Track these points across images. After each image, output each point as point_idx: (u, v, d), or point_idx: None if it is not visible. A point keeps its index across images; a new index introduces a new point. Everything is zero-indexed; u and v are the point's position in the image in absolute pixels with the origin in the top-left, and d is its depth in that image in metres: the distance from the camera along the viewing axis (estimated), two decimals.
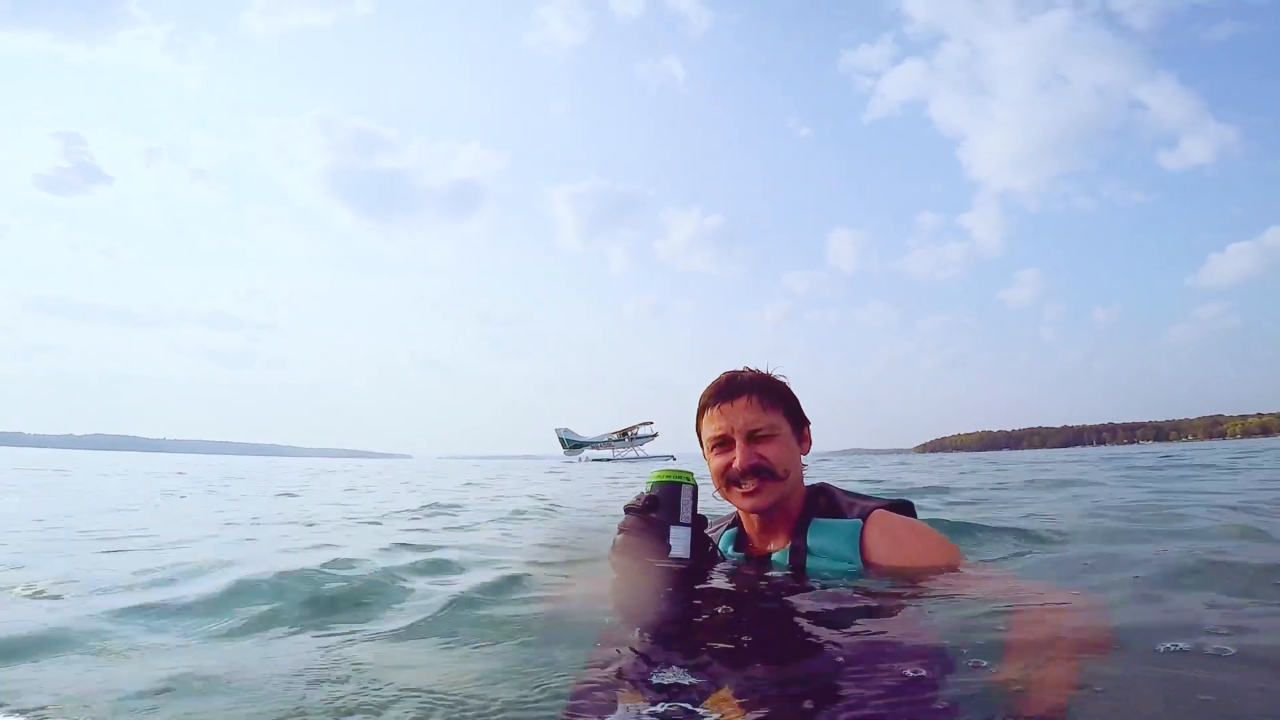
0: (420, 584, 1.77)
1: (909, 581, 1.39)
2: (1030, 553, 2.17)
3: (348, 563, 2.01)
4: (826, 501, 1.58)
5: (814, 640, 1.17)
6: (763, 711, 0.89)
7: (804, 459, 1.60)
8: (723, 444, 1.52)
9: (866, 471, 10.68)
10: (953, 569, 1.44)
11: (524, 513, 4.16)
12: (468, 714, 0.92)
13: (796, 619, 1.26)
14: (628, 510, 1.36)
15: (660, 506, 1.33)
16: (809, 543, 1.50)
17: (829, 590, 1.39)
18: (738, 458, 1.48)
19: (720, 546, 1.63)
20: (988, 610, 1.23)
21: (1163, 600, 1.43)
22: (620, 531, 1.36)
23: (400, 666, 1.14)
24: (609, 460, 51.02)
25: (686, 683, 0.95)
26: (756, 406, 1.51)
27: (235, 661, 1.18)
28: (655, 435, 56.28)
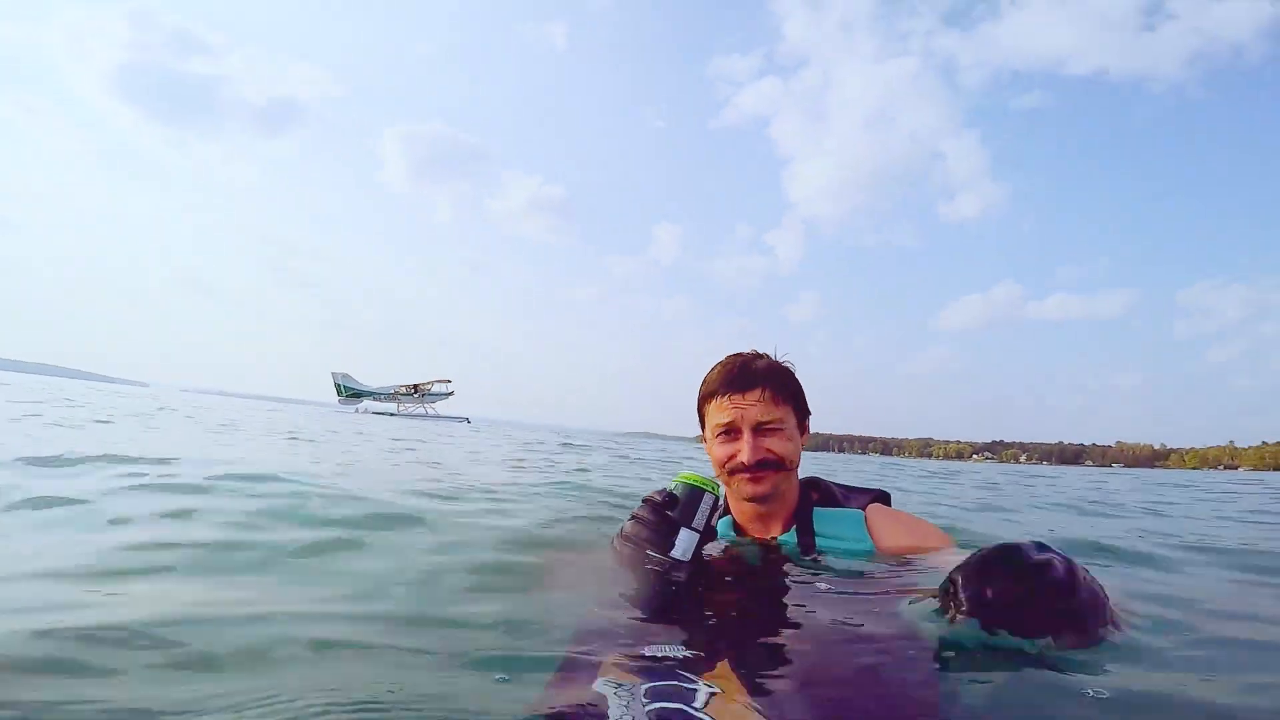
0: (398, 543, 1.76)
1: (917, 563, 1.42)
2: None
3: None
4: (820, 495, 1.60)
5: (822, 618, 1.15)
6: (764, 686, 0.87)
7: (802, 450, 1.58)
8: (729, 433, 1.50)
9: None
10: (953, 551, 1.48)
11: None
12: (447, 688, 0.89)
13: (804, 597, 1.25)
14: (645, 501, 1.33)
15: (679, 506, 1.30)
16: (815, 527, 1.52)
17: (839, 569, 1.40)
18: (745, 451, 1.47)
19: (719, 533, 1.60)
20: None
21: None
22: (631, 518, 1.33)
23: (377, 631, 1.10)
24: (393, 415, 46.08)
25: (682, 657, 0.94)
26: (769, 400, 1.49)
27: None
28: (451, 394, 52.67)
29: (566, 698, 0.85)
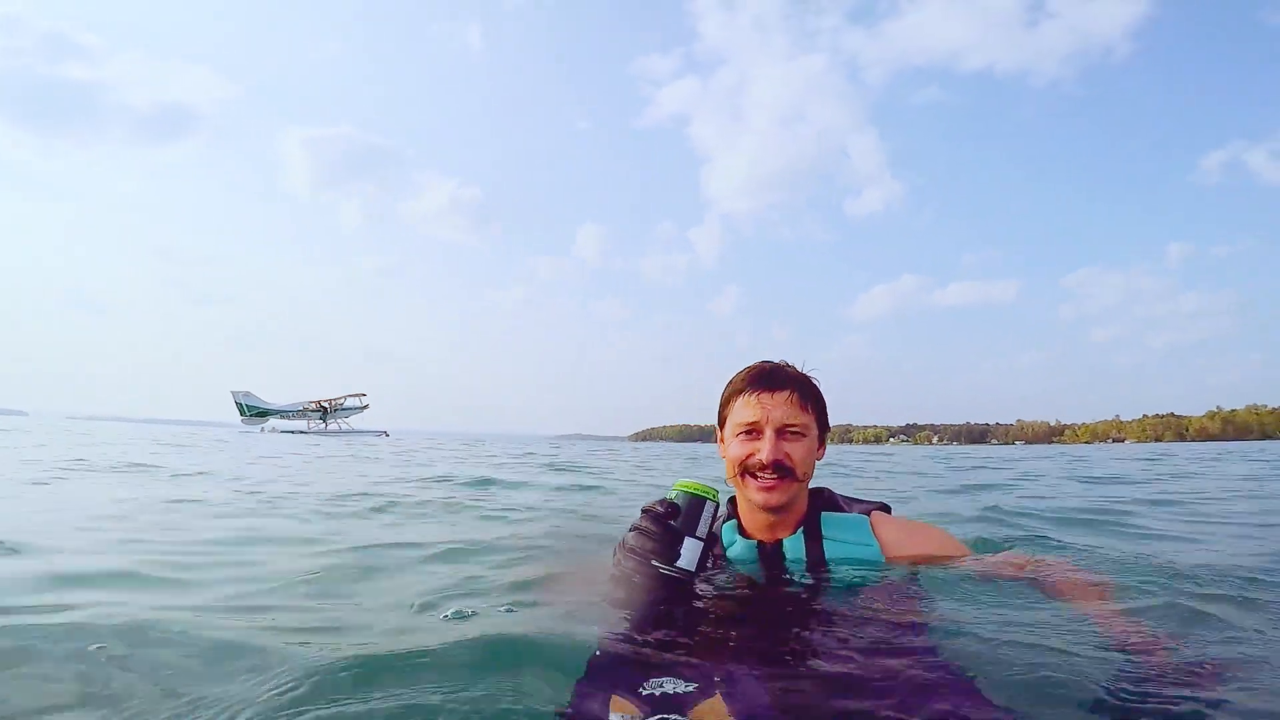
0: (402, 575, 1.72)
1: (927, 570, 1.43)
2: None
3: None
4: (825, 502, 1.61)
5: (827, 630, 1.12)
6: (762, 712, 0.87)
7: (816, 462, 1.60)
8: (751, 432, 1.50)
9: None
10: (964, 557, 1.52)
11: None
12: (460, 713, 0.89)
13: (810, 606, 1.26)
14: (645, 511, 1.32)
15: (681, 515, 1.30)
16: (823, 532, 1.53)
17: (846, 577, 1.41)
18: (764, 450, 1.46)
19: (723, 538, 1.60)
20: (1007, 593, 1.33)
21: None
22: (633, 530, 1.32)
23: (379, 669, 1.05)
24: (303, 433, 42.94)
25: (681, 690, 0.93)
26: (796, 403, 1.49)
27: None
28: (365, 408, 49.79)
29: None
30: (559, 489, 5.20)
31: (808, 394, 1.52)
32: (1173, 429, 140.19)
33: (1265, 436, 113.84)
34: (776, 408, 1.47)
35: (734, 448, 1.51)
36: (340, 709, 0.91)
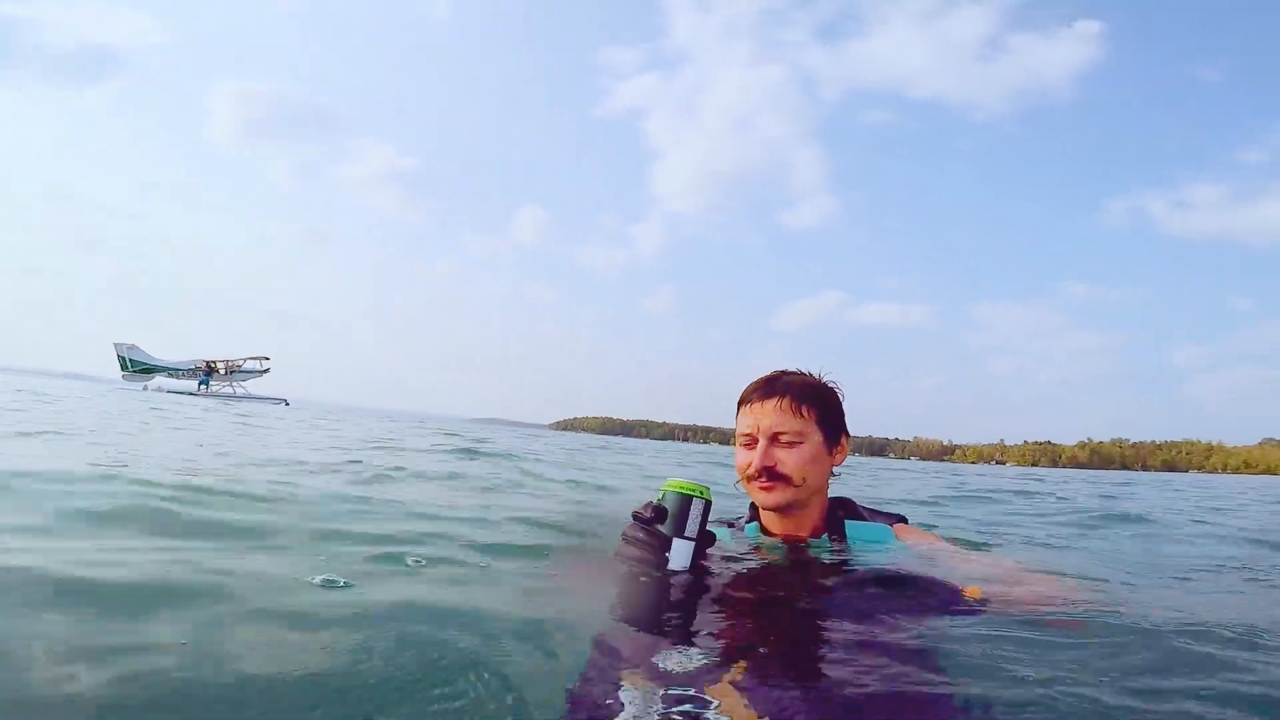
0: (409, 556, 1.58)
1: (949, 574, 1.40)
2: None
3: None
4: (848, 512, 1.63)
5: (846, 622, 1.14)
6: (768, 697, 0.85)
7: (836, 469, 1.61)
8: (748, 441, 1.55)
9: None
10: (986, 563, 1.59)
11: None
12: (466, 698, 0.88)
13: (832, 600, 1.26)
14: (634, 517, 1.28)
15: (669, 517, 1.26)
16: (848, 534, 1.58)
17: (870, 572, 1.41)
18: (755, 459, 1.51)
19: (748, 537, 1.65)
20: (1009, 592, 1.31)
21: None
22: (622, 539, 1.29)
23: (390, 646, 1.01)
24: (192, 395, 39.80)
25: (694, 667, 0.92)
26: (788, 411, 1.52)
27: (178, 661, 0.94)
28: (265, 371, 46.29)
29: (585, 703, 0.86)
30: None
31: (805, 400, 1.53)
32: (1048, 455, 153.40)
33: (1124, 467, 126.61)
34: (766, 416, 1.51)
35: (737, 455, 1.59)
36: (331, 687, 0.87)
